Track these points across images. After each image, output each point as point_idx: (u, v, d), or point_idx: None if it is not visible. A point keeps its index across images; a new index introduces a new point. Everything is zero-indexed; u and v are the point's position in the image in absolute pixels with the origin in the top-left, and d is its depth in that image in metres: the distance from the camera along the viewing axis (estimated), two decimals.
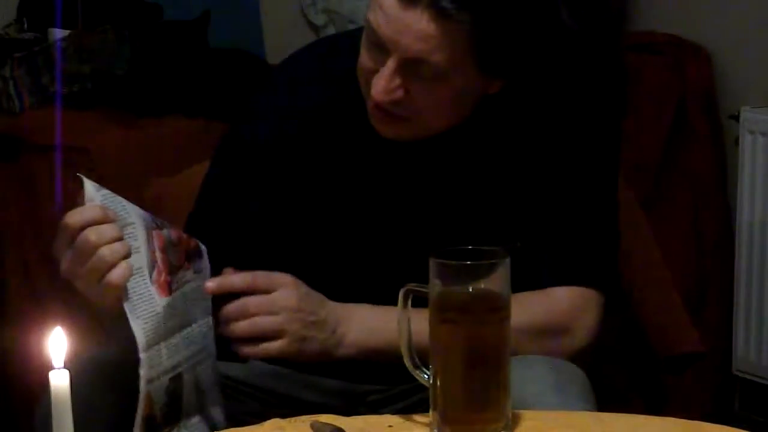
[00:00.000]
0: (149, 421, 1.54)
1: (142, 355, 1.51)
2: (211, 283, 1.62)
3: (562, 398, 1.58)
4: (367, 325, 1.69)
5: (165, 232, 1.58)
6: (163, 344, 1.55)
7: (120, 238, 1.52)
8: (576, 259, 1.73)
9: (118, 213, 1.53)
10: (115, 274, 1.50)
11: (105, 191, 1.54)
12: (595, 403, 1.64)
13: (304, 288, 1.67)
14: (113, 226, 1.52)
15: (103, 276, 1.51)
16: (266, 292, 1.65)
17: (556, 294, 1.72)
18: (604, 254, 1.76)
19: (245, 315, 1.64)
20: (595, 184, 1.75)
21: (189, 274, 1.62)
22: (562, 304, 1.72)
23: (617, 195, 1.80)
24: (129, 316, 1.51)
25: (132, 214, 1.55)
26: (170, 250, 1.59)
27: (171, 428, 1.59)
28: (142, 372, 1.51)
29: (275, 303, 1.64)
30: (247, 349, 1.65)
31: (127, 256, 1.52)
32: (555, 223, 1.74)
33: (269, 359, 1.75)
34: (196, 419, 1.65)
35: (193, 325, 1.61)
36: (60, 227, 1.54)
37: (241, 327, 1.64)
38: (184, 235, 1.63)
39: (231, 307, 1.64)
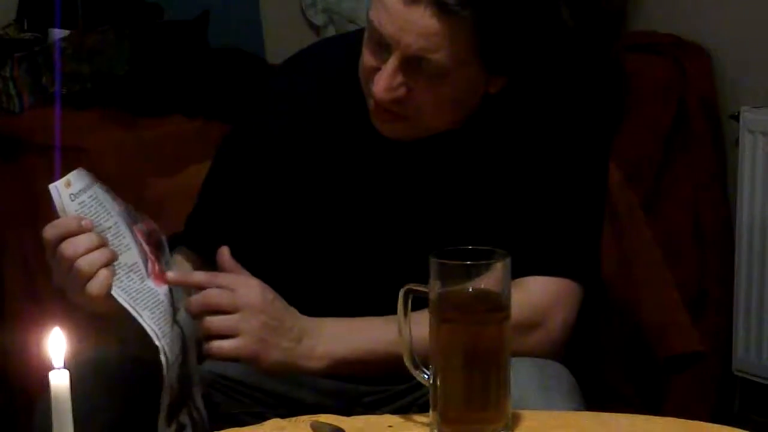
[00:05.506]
0: (171, 408, 1.53)
1: (158, 343, 1.48)
2: (173, 273, 1.57)
3: (547, 399, 1.57)
4: (337, 336, 1.64)
5: (140, 225, 1.58)
6: (169, 332, 1.54)
7: (99, 246, 1.50)
8: (553, 248, 1.69)
9: (100, 216, 1.52)
10: (94, 285, 1.50)
11: (83, 197, 1.51)
12: (582, 402, 1.62)
13: (271, 294, 1.62)
14: (90, 236, 1.50)
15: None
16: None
17: (530, 286, 1.67)
18: (584, 245, 1.72)
19: (206, 307, 1.58)
20: (581, 176, 1.72)
21: (164, 261, 1.61)
22: (535, 298, 1.67)
23: (605, 188, 1.77)
24: (134, 313, 1.49)
25: (114, 214, 1.54)
26: (150, 242, 1.58)
27: (182, 411, 1.58)
28: (163, 359, 1.49)
29: (236, 299, 1.59)
30: (206, 346, 1.59)
31: (107, 262, 1.50)
32: (535, 213, 1.70)
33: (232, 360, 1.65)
34: (199, 401, 1.63)
35: (181, 309, 1.60)
36: (43, 240, 1.53)
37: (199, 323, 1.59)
38: (154, 226, 1.61)
39: (193, 300, 1.59)
